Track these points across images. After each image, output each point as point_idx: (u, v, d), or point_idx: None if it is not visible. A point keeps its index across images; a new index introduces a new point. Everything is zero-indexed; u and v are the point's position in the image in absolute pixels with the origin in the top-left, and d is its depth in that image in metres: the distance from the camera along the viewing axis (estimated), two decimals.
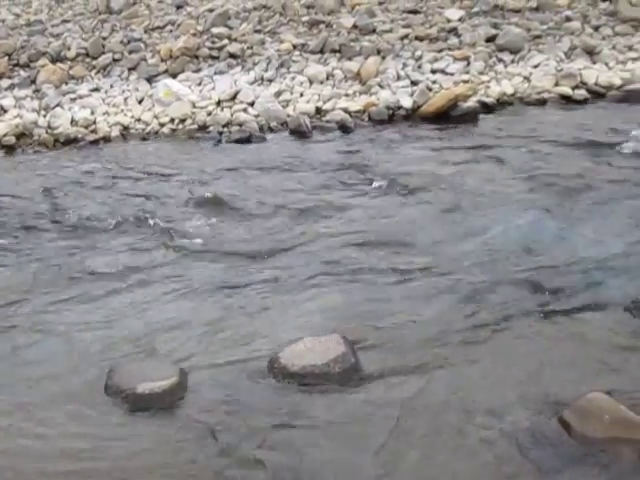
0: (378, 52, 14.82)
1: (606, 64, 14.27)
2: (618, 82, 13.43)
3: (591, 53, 14.61)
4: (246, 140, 12.18)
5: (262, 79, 14.25)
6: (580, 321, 6.14)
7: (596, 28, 15.91)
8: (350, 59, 14.67)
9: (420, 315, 6.35)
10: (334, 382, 5.54)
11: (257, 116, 12.91)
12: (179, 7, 18.62)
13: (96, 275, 7.54)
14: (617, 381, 5.31)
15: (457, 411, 5.13)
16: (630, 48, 14.91)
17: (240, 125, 12.66)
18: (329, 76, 14.13)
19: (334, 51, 15.07)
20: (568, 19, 16.28)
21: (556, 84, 13.49)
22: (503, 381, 5.41)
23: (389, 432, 4.95)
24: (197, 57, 15.29)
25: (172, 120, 13.13)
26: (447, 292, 6.71)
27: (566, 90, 13.26)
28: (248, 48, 15.46)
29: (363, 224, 8.44)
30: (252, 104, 13.23)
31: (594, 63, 14.31)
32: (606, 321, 6.11)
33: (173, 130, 12.98)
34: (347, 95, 13.48)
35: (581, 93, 13.23)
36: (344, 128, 12.37)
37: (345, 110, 12.87)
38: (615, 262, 7.08)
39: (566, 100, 13.12)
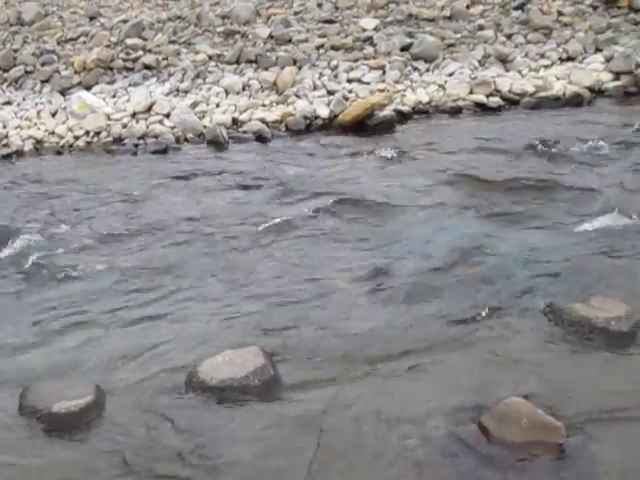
0: (294, 62, 14.84)
1: (519, 71, 14.50)
2: (531, 89, 13.65)
3: (504, 61, 14.82)
4: (162, 152, 12.05)
5: (178, 90, 14.14)
6: (498, 326, 6.18)
7: (509, 36, 16.16)
8: (266, 69, 14.65)
9: (339, 326, 6.33)
10: (253, 395, 5.48)
11: (173, 127, 12.80)
12: (92, 18, 18.38)
13: None
14: (534, 385, 5.34)
15: (377, 420, 5.11)
16: (542, 55, 15.19)
17: (156, 137, 12.54)
18: (245, 86, 14.08)
19: (250, 61, 15.04)
20: (481, 28, 16.51)
21: (471, 92, 13.64)
22: (422, 388, 5.41)
23: (309, 444, 4.90)
24: (111, 69, 15.11)
25: (87, 133, 12.95)
26: (366, 301, 6.71)
27: (481, 98, 13.42)
28: (163, 59, 15.34)
29: (278, 235, 8.39)
30: (168, 115, 13.11)
31: (507, 71, 14.52)
32: (523, 325, 6.16)
33: (88, 143, 12.80)
34: (264, 105, 13.45)
35: (495, 100, 13.41)
36: (261, 138, 12.34)
37: (262, 120, 12.84)
38: (530, 266, 7.16)
39: (481, 108, 13.28)
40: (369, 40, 15.84)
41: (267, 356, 5.79)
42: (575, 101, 13.36)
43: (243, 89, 14.03)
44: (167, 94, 13.98)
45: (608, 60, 14.60)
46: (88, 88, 14.38)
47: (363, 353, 5.91)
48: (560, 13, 17.36)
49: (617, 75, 14.18)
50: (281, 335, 6.25)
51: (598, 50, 15.40)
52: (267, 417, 5.24)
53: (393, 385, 5.48)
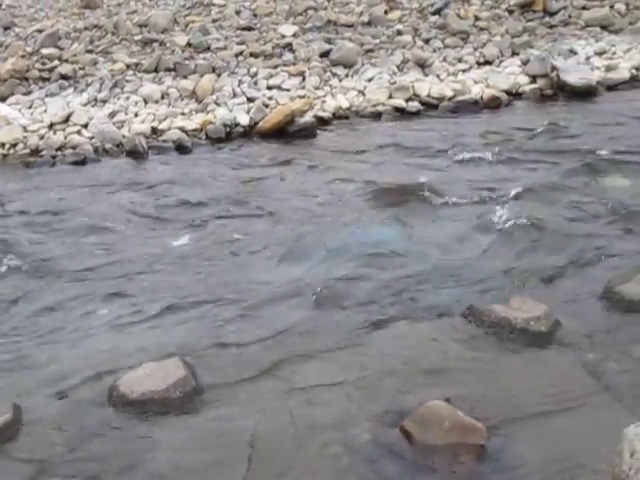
0: (213, 70, 14.77)
1: (437, 76, 14.64)
2: (449, 93, 13.79)
3: (423, 66, 14.95)
4: (81, 163, 11.87)
5: (96, 100, 13.95)
6: (418, 329, 6.21)
7: (427, 41, 16.32)
8: (185, 77, 14.56)
9: (260, 334, 6.28)
10: (175, 407, 5.42)
11: (92, 138, 12.60)
12: (6, 28, 18.11)
13: None
14: (455, 387, 5.37)
15: (300, 428, 5.09)
16: (460, 60, 15.37)
17: (74, 148, 12.33)
18: (164, 95, 13.96)
19: (169, 70, 14.92)
20: (399, 33, 16.64)
21: (390, 97, 13.73)
22: (345, 394, 5.40)
23: (231, 455, 4.87)
24: (27, 79, 14.85)
25: (2, 145, 12.67)
26: (285, 308, 6.67)
27: (400, 102, 13.51)
28: (80, 69, 15.13)
29: (195, 245, 8.32)
30: (86, 126, 12.91)
31: (426, 75, 14.66)
32: (443, 328, 6.19)
33: (4, 155, 12.51)
34: (183, 114, 13.33)
35: (414, 105, 13.51)
36: (181, 147, 12.22)
37: (182, 129, 12.73)
38: (449, 270, 7.20)
39: (400, 112, 13.37)
40: (288, 47, 15.87)
41: (188, 367, 5.73)
42: (493, 104, 13.53)
43: (162, 98, 13.89)
44: (85, 104, 13.77)
45: (524, 63, 14.84)
46: (3, 99, 14.11)
47: (283, 360, 5.87)
48: (477, 18, 17.60)
49: (533, 78, 14.41)
50: (202, 346, 6.17)
51: (515, 54, 15.66)
52: (188, 429, 5.19)
53: (315, 392, 5.46)
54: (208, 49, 15.88)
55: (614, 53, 15.77)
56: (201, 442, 5.04)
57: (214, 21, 17.77)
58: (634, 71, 14.89)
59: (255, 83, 14.27)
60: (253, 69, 14.80)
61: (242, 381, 5.67)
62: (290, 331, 6.29)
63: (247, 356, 5.98)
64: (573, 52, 15.42)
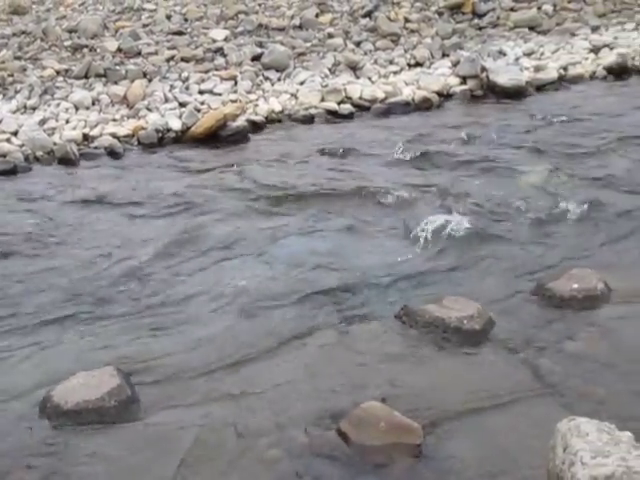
0: (144, 75, 14.65)
1: (369, 78, 14.72)
2: (381, 95, 13.87)
3: (354, 68, 15.02)
4: (11, 172, 11.67)
5: (25, 107, 13.72)
6: (352, 332, 6.22)
7: (358, 44, 16.39)
8: (116, 83, 14.40)
9: (194, 341, 6.25)
10: (110, 416, 5.34)
11: (22, 146, 12.37)
12: None
13: None
14: (391, 388, 5.40)
15: (238, 435, 5.06)
16: (391, 62, 15.48)
17: (4, 156, 12.10)
18: (95, 101, 13.78)
19: (99, 75, 14.74)
20: (331, 36, 16.71)
21: (322, 100, 13.76)
22: (281, 399, 5.39)
23: (167, 463, 4.82)
24: None
25: None
26: (219, 315, 6.64)
27: (332, 105, 13.55)
28: (9, 75, 14.87)
29: (131, 253, 8.24)
30: (16, 133, 12.69)
31: (358, 78, 14.72)
32: (377, 330, 6.22)
33: None
34: (115, 120, 13.19)
35: (347, 107, 13.56)
36: (113, 154, 12.09)
37: (113, 135, 12.59)
38: (380, 272, 7.24)
39: (333, 115, 13.40)
40: (220, 51, 15.81)
41: (123, 376, 5.66)
42: (424, 106, 13.65)
43: (93, 104, 13.72)
44: (14, 111, 13.55)
45: (455, 65, 14.98)
46: None
47: (217, 367, 5.84)
48: (407, 20, 17.75)
49: (464, 79, 14.57)
50: (136, 354, 6.12)
51: (445, 55, 15.82)
52: (123, 438, 5.13)
53: (251, 397, 5.44)
54: (139, 54, 15.75)
55: (542, 54, 16.02)
56: (136, 451, 4.98)
57: (144, 26, 17.64)
58: (562, 71, 15.15)
59: (187, 88, 14.17)
60: (184, 74, 14.70)
61: (177, 388, 5.63)
62: (223, 338, 6.26)
63: (181, 363, 5.93)
64: (502, 53, 15.61)
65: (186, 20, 18.02)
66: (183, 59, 15.41)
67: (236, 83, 14.29)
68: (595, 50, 16.13)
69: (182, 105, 13.41)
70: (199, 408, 5.39)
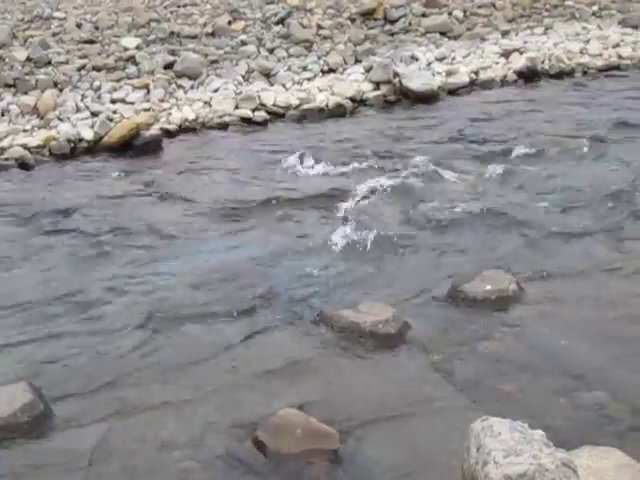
0: (55, 84, 14.42)
1: (283, 85, 14.72)
2: (295, 102, 13.88)
3: (268, 75, 15.02)
4: None
5: None
6: (269, 339, 6.21)
7: (271, 51, 16.39)
8: (26, 93, 14.13)
9: (112, 355, 6.15)
10: (23, 432, 5.23)
11: None
12: None
13: None
14: (308, 394, 5.40)
15: (154, 448, 5.00)
16: (304, 68, 15.50)
17: None
18: (4, 112, 13.49)
19: (8, 85, 14.45)
20: (244, 43, 16.67)
21: (236, 107, 13.71)
22: (196, 409, 5.35)
23: (80, 477, 4.75)
24: None
25: None
26: (133, 326, 6.56)
27: (246, 112, 13.51)
28: None
29: (41, 263, 8.10)
30: None
31: (271, 85, 14.72)
32: (294, 336, 6.22)
33: None
34: (25, 130, 12.93)
35: (261, 115, 13.53)
36: (24, 165, 11.83)
37: (24, 146, 12.31)
38: (299, 277, 7.25)
39: (247, 122, 13.35)
40: (132, 59, 15.64)
41: (36, 391, 5.55)
42: (338, 112, 13.69)
43: (2, 115, 13.43)
44: None
45: (368, 70, 15.06)
46: None
47: (132, 379, 5.77)
48: (320, 26, 17.82)
49: (377, 85, 14.66)
50: (50, 368, 6.01)
51: (358, 61, 15.90)
52: (37, 454, 5.03)
53: (165, 409, 5.38)
54: (49, 63, 15.49)
55: (454, 58, 16.23)
56: (49, 466, 4.90)
57: (54, 35, 17.38)
58: (473, 75, 15.36)
59: (99, 97, 13.98)
60: (96, 83, 14.50)
61: (91, 402, 5.54)
62: (138, 349, 6.18)
63: (95, 377, 5.84)
64: (414, 58, 15.75)
65: (97, 28, 17.81)
66: (95, 68, 15.20)
67: (149, 92, 14.15)
68: (505, 54, 16.40)
69: (94, 115, 13.22)
70: (113, 422, 5.31)
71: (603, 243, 7.69)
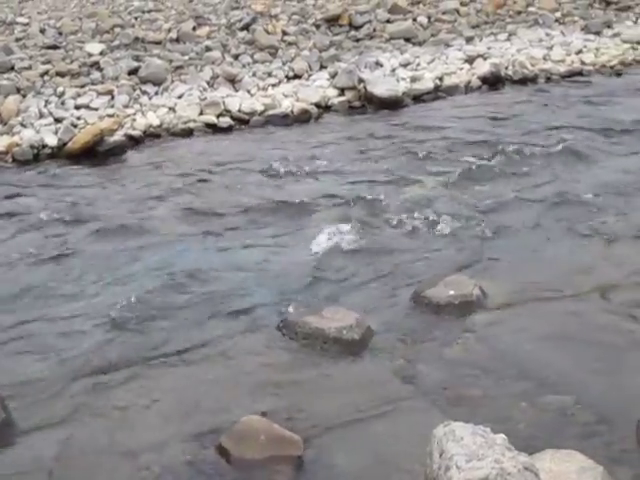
0: (18, 90, 14.27)
1: (248, 91, 14.66)
2: (260, 108, 13.83)
3: (233, 81, 14.95)
4: None
5: None
6: (233, 345, 6.21)
7: (236, 57, 16.33)
8: None
9: (73, 361, 6.11)
10: None
11: None
12: None
13: None
14: (272, 401, 5.42)
15: (117, 454, 5.01)
16: (269, 74, 15.45)
17: None
18: None
19: None
20: (209, 49, 16.60)
21: (201, 113, 13.64)
22: (161, 416, 5.35)
23: None
24: None
25: None
26: (99, 332, 6.52)
27: (211, 118, 13.45)
28: None
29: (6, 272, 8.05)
30: None
31: (236, 90, 14.64)
32: (258, 342, 6.23)
33: None
34: None
35: (226, 120, 13.47)
36: None
37: None
38: (264, 283, 7.25)
39: (212, 128, 13.29)
40: (96, 65, 15.52)
41: None
42: (303, 118, 13.66)
43: None
44: None
45: (333, 76, 15.06)
46: None
47: (95, 386, 5.75)
48: (285, 32, 17.78)
49: (342, 91, 14.64)
50: (11, 375, 5.96)
51: (323, 67, 15.86)
52: None
53: (128, 417, 5.37)
54: (12, 69, 15.33)
55: (418, 64, 16.25)
56: (10, 476, 4.87)
57: (18, 40, 17.22)
58: (438, 81, 15.38)
59: (62, 103, 13.86)
60: (60, 88, 14.36)
61: (53, 409, 5.52)
62: (100, 353, 6.17)
63: (56, 384, 5.81)
64: (379, 64, 15.76)
65: (61, 34, 17.68)
66: (58, 74, 15.06)
67: (113, 97, 14.03)
68: (469, 60, 16.45)
69: (58, 121, 13.11)
70: (75, 428, 5.31)
71: (566, 248, 7.76)
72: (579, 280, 7.05)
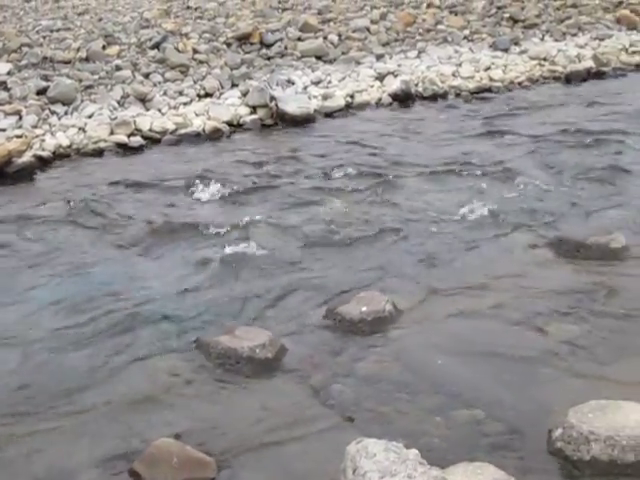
0: None
1: (159, 110, 14.57)
2: (172, 127, 13.77)
3: (144, 100, 14.85)
4: None
5: None
6: (146, 367, 6.11)
7: (147, 75, 16.25)
8: None
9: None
10: None
11: None
12: None
13: None
14: (185, 423, 5.35)
15: None
16: (180, 93, 15.40)
17: None
18: None
19: None
20: (119, 68, 16.49)
21: (112, 133, 13.49)
22: (72, 443, 5.23)
23: None
24: None
25: None
26: (7, 355, 6.39)
27: (122, 138, 13.31)
28: None
29: None
30: None
31: (147, 110, 14.54)
32: (171, 364, 6.13)
33: None
34: None
35: (137, 140, 13.35)
36: None
37: None
38: (176, 304, 7.16)
39: (123, 148, 13.16)
40: (3, 85, 15.28)
41: None
42: (215, 136, 13.65)
43: None
44: None
45: (244, 94, 15.08)
46: None
47: (5, 412, 5.61)
48: (195, 51, 17.80)
49: (254, 109, 14.67)
50: None
51: (234, 85, 15.89)
52: None
53: (38, 443, 5.24)
54: None
55: (330, 82, 16.40)
56: None
57: None
58: (349, 99, 15.57)
59: None
60: None
61: None
62: (8, 378, 6.02)
63: None
64: (291, 82, 15.83)
65: None
66: None
67: (21, 118, 13.80)
68: (380, 77, 16.67)
69: None
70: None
71: (478, 260, 7.87)
72: (491, 292, 7.15)
